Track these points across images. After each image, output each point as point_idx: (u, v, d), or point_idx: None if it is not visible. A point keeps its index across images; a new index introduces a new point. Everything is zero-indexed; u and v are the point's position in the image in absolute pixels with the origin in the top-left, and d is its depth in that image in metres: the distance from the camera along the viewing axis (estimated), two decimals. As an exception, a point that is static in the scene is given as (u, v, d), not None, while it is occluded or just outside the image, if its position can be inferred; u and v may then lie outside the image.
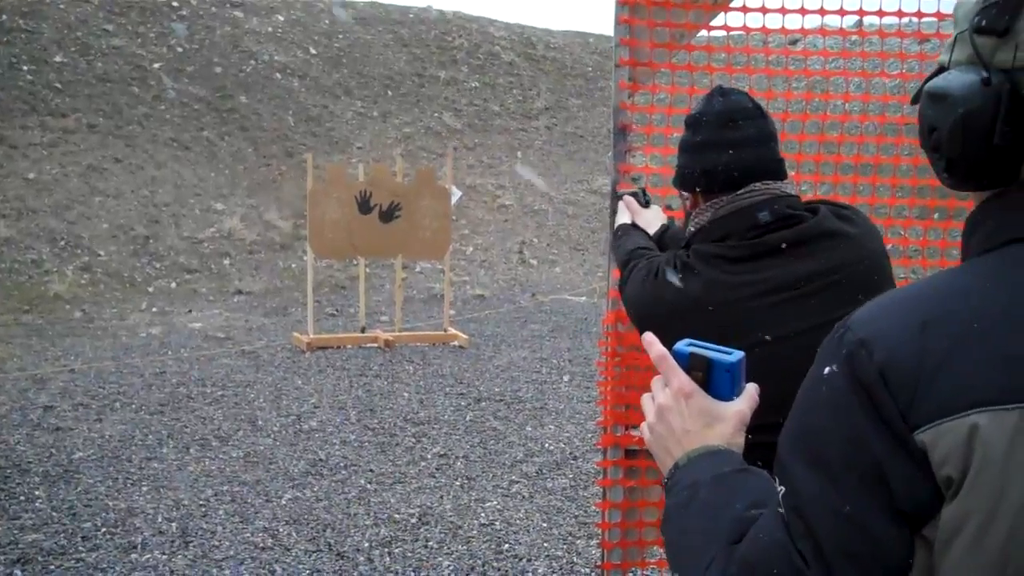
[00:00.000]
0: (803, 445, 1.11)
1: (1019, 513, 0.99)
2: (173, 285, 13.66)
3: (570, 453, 7.03)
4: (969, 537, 1.01)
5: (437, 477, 6.50)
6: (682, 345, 1.33)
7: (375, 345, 10.73)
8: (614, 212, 3.03)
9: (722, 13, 3.39)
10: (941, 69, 1.22)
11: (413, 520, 5.72)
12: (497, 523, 5.71)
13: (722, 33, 3.52)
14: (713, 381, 1.31)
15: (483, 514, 5.85)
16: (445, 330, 11.27)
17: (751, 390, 1.34)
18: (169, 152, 15.89)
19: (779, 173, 2.35)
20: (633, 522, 3.50)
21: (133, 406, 8.01)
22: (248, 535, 5.45)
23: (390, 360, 10.03)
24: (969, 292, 1.08)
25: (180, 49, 17.74)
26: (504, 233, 17.52)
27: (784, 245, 2.23)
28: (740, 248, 2.25)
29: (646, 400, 1.37)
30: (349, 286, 14.31)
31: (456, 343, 10.96)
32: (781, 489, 1.12)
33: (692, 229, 2.39)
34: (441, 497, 6.11)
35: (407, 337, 11.05)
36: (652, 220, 2.90)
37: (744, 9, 3.48)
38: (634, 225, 2.88)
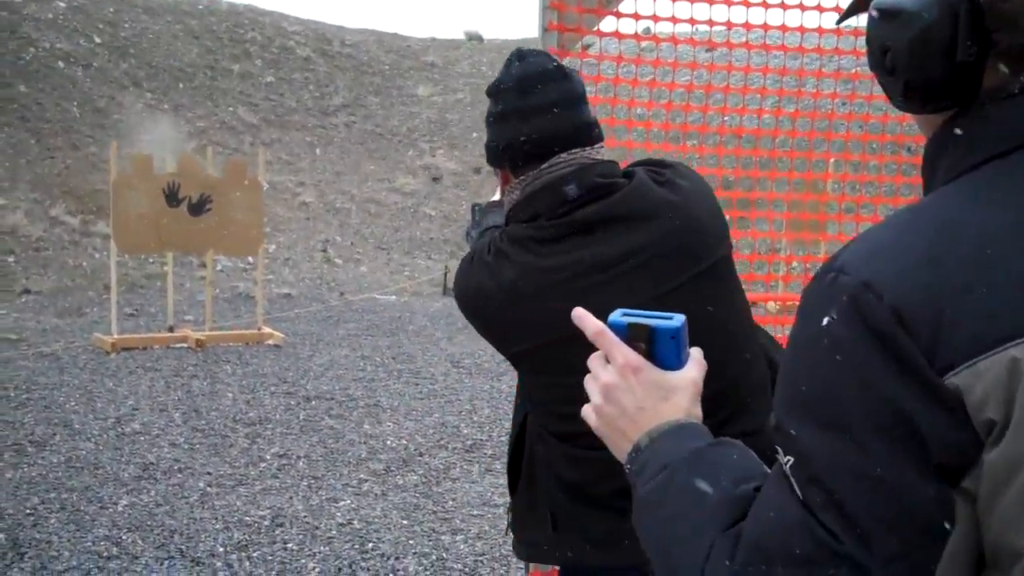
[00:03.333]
0: (810, 407, 0.97)
1: None
2: (-49, 284, 12.63)
3: (415, 450, 6.84)
4: (1022, 484, 0.89)
5: (281, 478, 6.19)
6: (617, 316, 1.19)
7: (185, 345, 10.20)
8: None
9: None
10: None
11: (266, 522, 5.41)
12: (355, 522, 5.47)
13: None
14: (658, 351, 1.17)
15: (339, 514, 5.60)
16: (259, 329, 10.82)
17: (697, 355, 1.21)
18: (-59, 142, 14.71)
19: (588, 138, 2.10)
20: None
21: (-73, 412, 7.30)
22: (88, 544, 5.01)
23: (204, 360, 9.55)
24: (967, 218, 0.97)
25: (-49, 33, 16.46)
26: (307, 231, 17.09)
27: (595, 222, 2.04)
28: (549, 228, 2.06)
29: (589, 382, 1.22)
30: (147, 284, 13.60)
31: (271, 342, 10.55)
32: (788, 460, 0.97)
33: (507, 209, 2.21)
34: (290, 498, 5.82)
35: (219, 336, 10.54)
36: None
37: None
38: (499, 202, 2.69)
